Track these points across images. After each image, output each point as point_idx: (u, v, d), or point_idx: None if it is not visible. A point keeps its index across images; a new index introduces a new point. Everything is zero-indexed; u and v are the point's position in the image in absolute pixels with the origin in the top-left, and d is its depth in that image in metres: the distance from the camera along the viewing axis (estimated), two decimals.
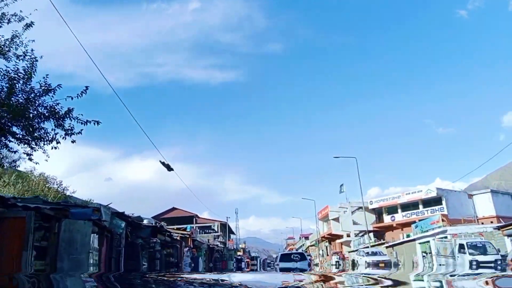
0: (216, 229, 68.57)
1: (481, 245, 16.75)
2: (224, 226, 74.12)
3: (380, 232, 54.83)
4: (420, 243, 30.62)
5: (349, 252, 49.77)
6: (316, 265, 60.72)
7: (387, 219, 54.97)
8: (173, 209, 69.35)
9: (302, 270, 20.36)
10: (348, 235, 55.64)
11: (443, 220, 27.00)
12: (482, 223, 37.13)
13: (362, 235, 54.89)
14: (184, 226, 68.13)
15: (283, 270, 20.11)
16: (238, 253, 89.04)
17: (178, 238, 27.42)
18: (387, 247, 37.14)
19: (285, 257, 20.58)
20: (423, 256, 30.86)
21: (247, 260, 58.39)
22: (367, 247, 41.14)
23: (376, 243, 42.03)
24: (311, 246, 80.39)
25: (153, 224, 20.44)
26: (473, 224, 32.38)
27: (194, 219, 69.00)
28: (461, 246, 16.74)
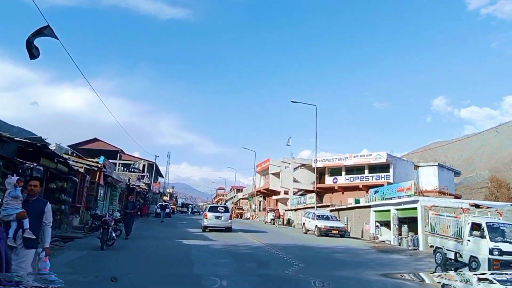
0: (142, 169, 61.03)
1: (504, 228, 11.83)
2: (151, 167, 66.56)
3: (319, 193, 51.31)
4: (376, 211, 26.29)
5: (285, 210, 45.56)
6: (247, 219, 56.48)
7: (328, 180, 51.39)
8: (95, 140, 60.00)
9: (227, 228, 23.17)
10: (286, 193, 51.46)
11: (416, 192, 22.55)
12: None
13: (301, 194, 51.07)
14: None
15: (209, 227, 22.76)
16: (165, 198, 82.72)
17: (82, 169, 19.99)
18: (331, 210, 32.87)
19: (212, 209, 25.01)
20: (376, 227, 26.75)
21: (173, 207, 52.21)
22: (312, 207, 36.82)
23: (318, 204, 37.86)
24: (242, 199, 76.30)
25: (26, 139, 12.93)
26: (445, 197, 28.71)
27: (118, 154, 60.41)
28: (477, 227, 11.59)
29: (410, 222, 24.35)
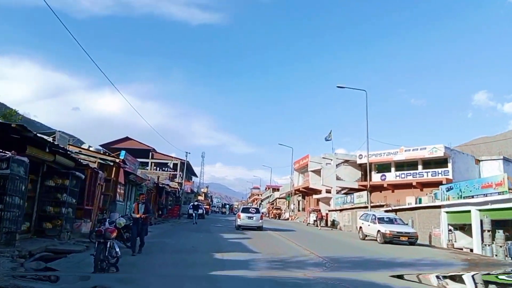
0: (174, 168, 58.23)
1: None
2: (184, 166, 63.76)
3: (363, 191, 46.24)
4: (449, 212, 21.32)
5: (328, 210, 40.85)
6: (286, 219, 52.17)
7: (375, 177, 46.10)
8: (127, 139, 57.84)
9: (258, 227, 25.18)
10: (329, 191, 46.67)
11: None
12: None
13: (346, 193, 46.14)
14: (141, 160, 57.47)
15: (242, 227, 25.11)
16: (199, 198, 79.89)
17: (94, 164, 16.50)
18: (386, 211, 27.94)
19: (245, 210, 27.53)
20: (449, 231, 21.75)
21: (207, 207, 48.80)
22: (362, 207, 32.08)
23: (371, 204, 32.98)
24: (279, 198, 72.00)
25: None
26: None
27: (150, 153, 58.04)
28: None
29: (500, 226, 19.37)
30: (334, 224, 39.45)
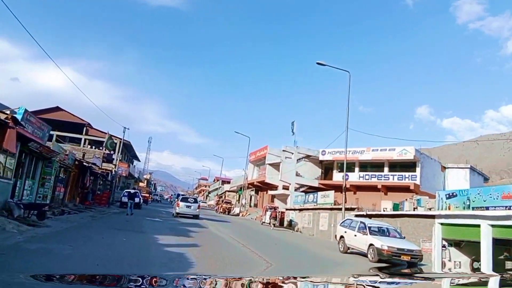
0: (118, 154, 50.57)
1: None
2: (126, 148, 56.12)
3: (323, 190, 42.20)
4: (445, 225, 17.13)
5: (286, 209, 36.04)
6: (236, 215, 46.82)
7: (337, 176, 42.23)
8: (57, 109, 49.14)
9: (195, 216, 27.34)
10: (286, 188, 42.00)
11: None
12: None
13: (304, 191, 41.72)
14: (73, 135, 49.13)
15: (180, 214, 26.83)
16: (141, 185, 72.19)
17: None
18: (357, 215, 23.39)
19: (184, 199, 29.07)
20: (443, 247, 17.64)
21: (146, 195, 42.11)
22: (332, 209, 27.50)
23: (335, 206, 28.49)
24: (229, 191, 66.53)
25: None
26: None
27: (84, 128, 49.92)
28: None
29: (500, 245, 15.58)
30: (291, 225, 34.74)
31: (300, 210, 34.47)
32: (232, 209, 47.52)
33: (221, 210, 46.69)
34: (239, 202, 51.83)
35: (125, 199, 30.84)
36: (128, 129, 32.98)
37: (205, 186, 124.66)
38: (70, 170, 21.48)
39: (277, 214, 33.21)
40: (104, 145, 36.18)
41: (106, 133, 51.09)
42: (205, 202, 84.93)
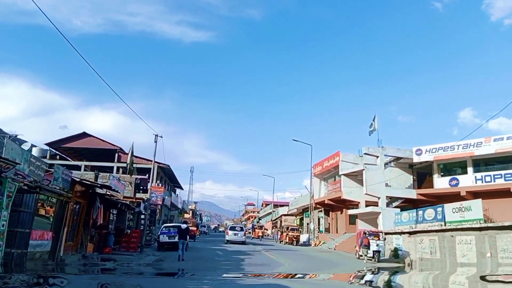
0: (154, 176, 41.98)
1: None
2: (166, 174, 47.55)
3: (422, 203, 30.91)
4: None
5: (385, 233, 24.94)
6: (307, 245, 36.07)
7: (441, 182, 30.91)
8: (84, 135, 41.68)
9: (242, 242, 30.62)
10: (372, 204, 31.07)
11: None
12: None
13: (398, 206, 30.68)
14: (102, 163, 41.14)
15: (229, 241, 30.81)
16: (186, 216, 63.17)
17: None
18: None
19: (232, 228, 33.54)
20: None
21: (193, 229, 32.52)
22: (478, 229, 16.64)
23: (465, 226, 17.50)
24: (287, 215, 55.93)
25: None
26: None
27: (116, 154, 41.91)
28: None
29: None
30: (397, 256, 23.68)
31: (411, 233, 23.46)
32: (299, 237, 36.86)
33: (287, 240, 36.20)
34: (307, 228, 41.07)
35: (164, 238, 21.41)
36: (162, 137, 24.03)
37: (253, 212, 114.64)
38: (65, 200, 12.25)
39: (378, 240, 22.30)
40: (127, 166, 27.23)
41: (141, 158, 42.82)
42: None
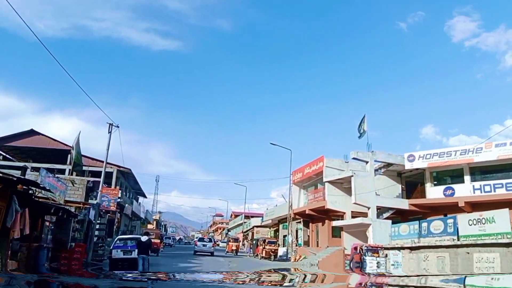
0: (111, 178, 36.81)
1: None
2: (124, 176, 42.32)
3: (413, 214, 28.00)
4: None
5: (383, 248, 21.46)
6: (285, 259, 32.26)
7: (434, 192, 28.12)
8: (32, 133, 36.02)
9: (211, 253, 31.84)
10: (359, 214, 27.77)
11: None
12: None
13: (389, 218, 27.56)
14: (54, 166, 35.53)
15: (197, 251, 31.86)
16: (149, 227, 57.62)
17: None
18: None
19: (200, 240, 34.78)
20: None
21: (156, 242, 27.78)
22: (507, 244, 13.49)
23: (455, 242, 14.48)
24: (259, 227, 51.88)
25: None
26: None
27: (69, 155, 36.35)
28: None
29: None
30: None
31: (413, 249, 20.13)
32: (277, 250, 32.89)
33: (263, 254, 32.11)
34: (284, 240, 37.10)
35: (118, 254, 16.87)
36: (118, 126, 19.41)
37: (222, 223, 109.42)
38: None
39: (377, 257, 18.78)
40: (71, 162, 22.45)
41: (97, 160, 37.60)
42: (225, 242, 69.69)
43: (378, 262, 18.21)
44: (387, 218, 27.60)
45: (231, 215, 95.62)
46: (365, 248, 18.95)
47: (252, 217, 62.91)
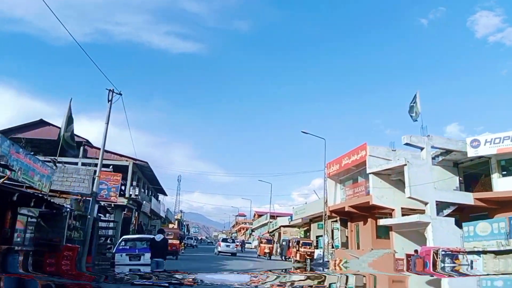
0: (128, 175, 33.29)
1: None
2: (141, 170, 38.71)
3: (475, 211, 23.10)
4: None
5: (466, 252, 16.66)
6: (321, 263, 27.91)
7: (503, 184, 23.07)
8: (42, 123, 32.98)
9: (233, 254, 31.96)
10: (410, 212, 23.15)
11: None
12: None
13: (450, 215, 22.82)
14: (64, 158, 32.32)
15: (221, 252, 32.38)
16: (171, 226, 54.10)
17: None
18: None
19: (224, 240, 35.92)
20: None
21: (175, 242, 23.90)
22: None
23: None
24: (287, 226, 47.56)
25: None
26: None
27: (82, 148, 33.17)
28: None
29: None
30: None
31: (498, 253, 15.39)
32: (313, 254, 28.49)
33: (297, 258, 27.78)
34: (322, 242, 32.62)
35: (123, 259, 12.98)
36: (121, 94, 15.66)
37: (245, 223, 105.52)
38: None
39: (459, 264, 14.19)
40: (59, 138, 18.67)
41: (112, 153, 34.26)
42: (250, 243, 65.42)
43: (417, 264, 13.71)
44: (447, 215, 22.84)
45: (254, 215, 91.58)
46: (443, 252, 14.37)
47: (277, 216, 58.58)
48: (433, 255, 14.64)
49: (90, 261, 17.25)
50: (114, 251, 12.91)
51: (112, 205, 21.17)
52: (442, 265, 13.89)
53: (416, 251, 18.28)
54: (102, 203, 18.76)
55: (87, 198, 15.19)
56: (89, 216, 14.66)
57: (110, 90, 15.76)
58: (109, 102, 15.72)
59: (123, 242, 13.35)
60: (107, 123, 16.70)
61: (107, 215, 20.29)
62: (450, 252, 14.49)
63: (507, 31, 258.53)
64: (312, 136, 30.32)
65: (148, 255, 12.75)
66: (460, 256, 14.44)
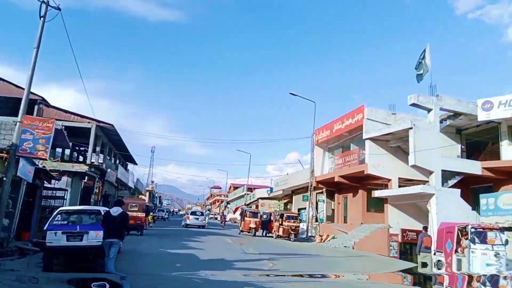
0: (90, 139, 28.84)
1: None
2: (106, 134, 34.20)
3: (480, 182, 20.66)
4: None
5: (482, 228, 13.88)
6: (307, 239, 25.19)
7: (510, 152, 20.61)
8: None
9: (202, 226, 31.16)
10: (406, 183, 20.44)
11: None
12: None
13: (456, 186, 20.22)
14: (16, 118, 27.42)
15: (189, 226, 31.10)
16: (142, 197, 50.19)
17: None
18: None
19: (193, 213, 33.57)
20: None
21: (139, 216, 20.20)
22: None
23: None
24: (265, 198, 44.71)
25: None
26: None
27: (36, 107, 28.18)
28: None
29: None
30: None
31: None
32: (298, 228, 25.56)
33: (281, 233, 24.78)
34: (306, 215, 29.79)
35: (58, 239, 9.27)
36: (59, 9, 11.53)
37: (220, 196, 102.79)
38: None
39: (494, 246, 11.38)
40: None
41: (70, 113, 29.73)
42: (218, 215, 62.23)
43: (497, 254, 10.88)
44: (454, 186, 20.24)
45: (230, 187, 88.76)
46: (472, 229, 11.42)
47: (254, 189, 55.70)
48: (457, 232, 11.76)
49: (27, 238, 13.42)
50: (45, 228, 9.20)
51: (61, 170, 17.18)
52: (472, 245, 11.02)
53: (425, 227, 15.47)
54: (42, 165, 14.76)
55: (18, 156, 11.21)
56: (10, 179, 10.72)
57: (42, 1, 11.36)
58: (42, 19, 11.42)
59: (59, 216, 9.58)
60: (37, 47, 12.46)
61: (54, 181, 16.31)
62: (481, 230, 11.59)
63: (487, 8, 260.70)
64: (299, 104, 26.73)
65: (93, 233, 9.13)
66: (491, 234, 11.60)
